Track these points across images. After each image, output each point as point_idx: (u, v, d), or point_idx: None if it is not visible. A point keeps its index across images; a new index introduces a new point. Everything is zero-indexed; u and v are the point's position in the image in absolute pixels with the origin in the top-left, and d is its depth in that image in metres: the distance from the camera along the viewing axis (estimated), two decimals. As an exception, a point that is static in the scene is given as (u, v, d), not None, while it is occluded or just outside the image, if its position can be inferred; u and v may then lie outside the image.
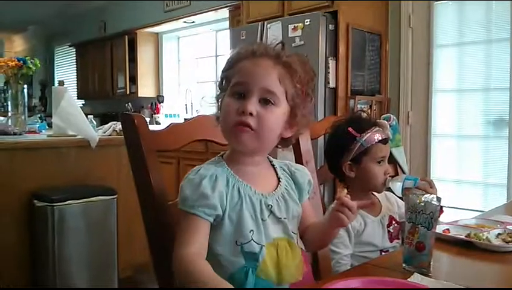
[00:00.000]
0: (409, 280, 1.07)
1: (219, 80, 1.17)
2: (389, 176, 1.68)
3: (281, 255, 1.09)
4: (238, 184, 1.09)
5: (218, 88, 1.17)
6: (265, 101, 1.07)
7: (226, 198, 1.06)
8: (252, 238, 1.06)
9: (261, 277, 1.06)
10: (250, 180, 1.11)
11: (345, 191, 1.11)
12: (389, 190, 1.73)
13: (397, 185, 1.68)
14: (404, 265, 1.17)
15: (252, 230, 1.07)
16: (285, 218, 1.13)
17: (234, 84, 1.09)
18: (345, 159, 1.63)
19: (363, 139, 1.60)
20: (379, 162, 1.63)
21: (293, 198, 1.17)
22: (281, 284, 1.09)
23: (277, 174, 1.18)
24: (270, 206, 1.11)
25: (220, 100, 1.14)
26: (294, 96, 1.11)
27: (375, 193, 1.70)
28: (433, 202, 1.15)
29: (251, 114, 1.06)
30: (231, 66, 1.12)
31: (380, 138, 1.61)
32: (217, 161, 1.13)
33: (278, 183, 1.16)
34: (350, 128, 1.61)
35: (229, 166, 1.11)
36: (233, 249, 1.06)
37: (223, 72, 1.15)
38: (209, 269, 0.99)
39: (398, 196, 1.72)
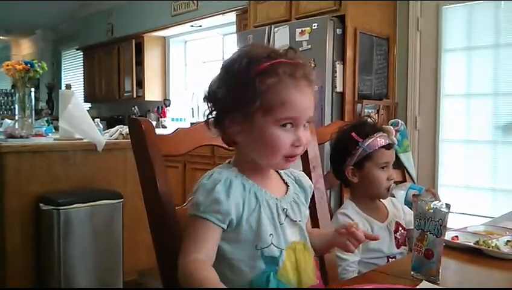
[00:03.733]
0: (417, 287, 1.06)
1: (233, 90, 1.04)
2: (395, 182, 1.67)
3: (299, 258, 1.09)
4: (254, 189, 1.07)
5: (231, 100, 1.04)
6: (306, 122, 1.07)
7: (244, 203, 1.05)
8: (272, 242, 1.06)
9: (281, 281, 1.06)
10: (264, 185, 1.10)
11: (355, 223, 1.14)
12: (394, 196, 1.73)
13: (400, 194, 1.68)
14: (412, 273, 1.16)
15: (271, 234, 1.06)
16: (300, 220, 1.13)
17: (285, 118, 1.02)
18: (348, 164, 1.63)
19: (366, 144, 1.60)
20: (382, 168, 1.62)
21: (302, 201, 1.17)
22: (301, 287, 1.09)
23: (283, 179, 1.18)
24: (286, 210, 1.11)
25: (243, 119, 1.04)
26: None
27: (381, 199, 1.69)
28: (442, 209, 1.13)
29: None
30: (259, 82, 1.01)
31: (384, 143, 1.61)
32: (228, 167, 1.11)
33: (287, 188, 1.16)
34: (353, 133, 1.61)
35: (242, 172, 1.09)
36: (253, 254, 1.05)
37: (244, 85, 1.02)
38: (215, 278, 0.97)
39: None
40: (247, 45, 1.12)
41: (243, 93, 1.01)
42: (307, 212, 1.20)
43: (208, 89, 1.09)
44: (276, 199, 1.10)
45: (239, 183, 1.06)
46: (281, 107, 1.01)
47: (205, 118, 1.09)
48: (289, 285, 1.07)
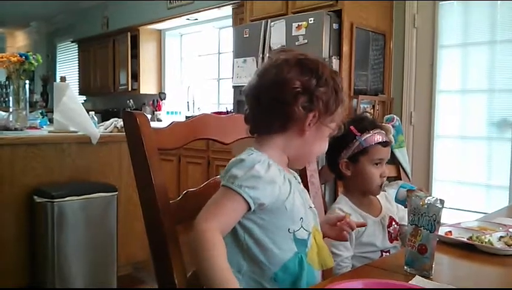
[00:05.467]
0: (410, 282, 1.06)
1: (325, 97, 1.13)
2: (389, 177, 1.67)
3: (319, 241, 1.18)
4: (286, 175, 1.13)
5: (321, 104, 1.13)
6: None
7: (280, 187, 1.08)
8: (302, 226, 1.12)
9: (309, 263, 1.13)
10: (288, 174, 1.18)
11: (349, 214, 1.26)
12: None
13: (391, 192, 1.68)
14: (405, 267, 1.16)
15: (301, 217, 1.12)
16: (314, 207, 1.22)
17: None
18: (343, 157, 1.63)
19: (363, 139, 1.60)
20: (376, 164, 1.63)
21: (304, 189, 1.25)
22: (319, 269, 1.17)
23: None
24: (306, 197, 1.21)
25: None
26: None
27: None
28: (436, 205, 1.14)
29: None
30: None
31: (380, 140, 1.61)
32: (260, 154, 1.12)
33: (294, 178, 1.21)
34: (352, 127, 1.61)
35: (273, 159, 1.12)
36: (286, 236, 1.10)
37: (333, 100, 1.16)
38: (223, 258, 0.97)
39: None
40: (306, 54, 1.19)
41: (332, 100, 1.14)
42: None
43: (288, 81, 1.10)
44: (300, 186, 1.21)
45: (276, 168, 1.09)
46: (336, 121, 1.19)
47: (261, 108, 1.13)
48: (314, 266, 1.15)
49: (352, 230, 1.27)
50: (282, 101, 1.10)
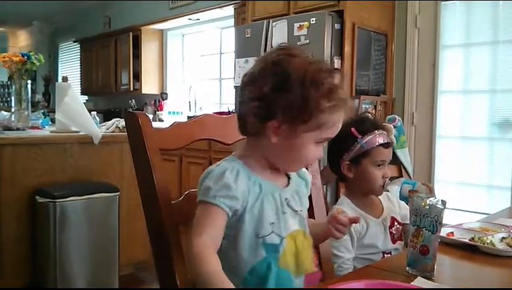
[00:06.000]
0: (412, 283, 1.06)
1: (289, 100, 1.04)
2: (391, 178, 1.67)
3: (299, 246, 1.13)
4: (258, 180, 1.11)
5: (284, 108, 1.05)
6: None
7: (249, 193, 1.08)
8: (273, 231, 1.10)
9: (281, 268, 1.10)
10: (266, 177, 1.13)
11: (340, 209, 1.20)
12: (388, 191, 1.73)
13: (394, 189, 1.68)
14: (407, 268, 1.16)
15: (272, 223, 1.10)
16: (301, 210, 1.17)
17: (326, 137, 1.11)
18: (345, 159, 1.63)
19: (364, 141, 1.60)
20: (378, 165, 1.62)
21: (303, 192, 1.22)
22: (299, 275, 1.13)
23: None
24: (287, 200, 1.15)
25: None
26: None
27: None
28: (437, 206, 1.14)
29: None
30: (320, 104, 1.05)
31: (382, 142, 1.61)
32: (232, 160, 1.13)
33: (289, 179, 1.19)
34: (353, 129, 1.60)
35: (247, 165, 1.12)
36: (254, 242, 1.08)
37: (305, 102, 1.04)
38: (216, 265, 1.00)
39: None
40: (300, 53, 1.10)
41: (300, 109, 1.04)
42: (307, 202, 1.23)
43: (250, 79, 1.09)
44: (280, 189, 1.15)
45: (244, 174, 1.09)
46: (328, 128, 1.08)
47: (246, 110, 1.09)
48: (288, 272, 1.11)
49: (344, 226, 1.20)
50: (242, 105, 1.10)
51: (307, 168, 1.44)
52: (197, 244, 1.01)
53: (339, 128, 1.11)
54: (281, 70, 1.05)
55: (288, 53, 1.09)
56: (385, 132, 1.64)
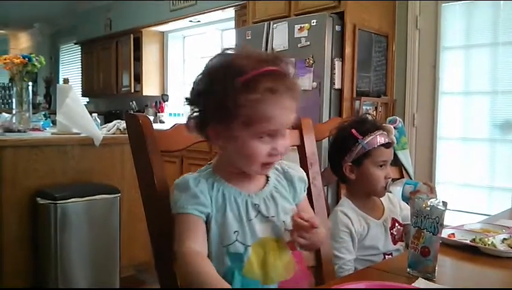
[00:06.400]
0: (413, 284, 1.06)
1: (215, 99, 1.02)
2: (392, 179, 1.67)
3: (267, 254, 1.09)
4: (223, 187, 1.10)
5: (212, 109, 1.04)
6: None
7: (212, 202, 1.08)
8: (237, 239, 1.07)
9: (247, 277, 1.06)
10: (238, 183, 1.12)
11: (295, 211, 1.10)
12: (391, 192, 1.73)
13: (397, 190, 1.68)
14: (408, 270, 1.16)
15: (236, 231, 1.07)
16: (273, 216, 1.12)
17: (264, 131, 1.04)
18: (347, 160, 1.63)
19: (365, 142, 1.60)
20: (380, 166, 1.62)
21: (283, 195, 1.17)
22: (268, 283, 1.09)
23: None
24: (257, 206, 1.11)
25: (219, 126, 1.05)
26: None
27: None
28: (439, 207, 1.14)
29: None
30: (241, 98, 1.00)
31: (383, 142, 1.61)
32: (205, 169, 1.15)
33: (267, 182, 1.16)
34: (353, 130, 1.61)
35: (216, 172, 1.13)
36: (219, 251, 1.07)
37: (226, 98, 1.01)
38: (210, 270, 0.99)
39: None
40: (234, 50, 1.09)
41: (225, 106, 1.01)
42: (291, 206, 1.17)
43: (190, 90, 1.09)
44: (248, 195, 1.12)
45: (205, 183, 1.09)
46: (261, 122, 1.02)
47: (186, 121, 1.10)
48: (256, 280, 1.07)
49: (307, 231, 1.06)
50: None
51: (305, 169, 1.42)
52: (185, 252, 1.01)
53: (287, 118, 1.05)
54: (203, 73, 1.06)
55: (219, 54, 1.08)
56: (385, 132, 1.64)
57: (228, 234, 1.07)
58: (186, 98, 1.09)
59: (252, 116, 1.01)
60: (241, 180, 1.12)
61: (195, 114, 1.08)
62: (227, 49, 1.10)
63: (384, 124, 1.71)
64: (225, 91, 1.01)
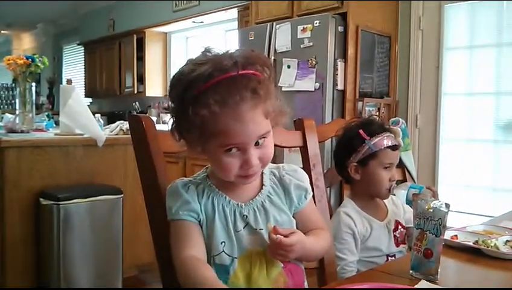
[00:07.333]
0: (416, 286, 1.06)
1: (176, 112, 1.02)
2: (396, 181, 1.67)
3: (253, 267, 1.05)
4: (213, 195, 1.08)
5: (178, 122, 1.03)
6: (260, 139, 1.01)
7: (201, 209, 1.06)
8: (223, 250, 1.04)
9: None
10: (230, 191, 1.08)
11: (272, 225, 1.03)
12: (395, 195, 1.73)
13: (401, 193, 1.68)
14: (411, 272, 1.16)
15: (223, 242, 1.04)
16: (261, 229, 1.07)
17: (227, 145, 0.98)
18: (352, 161, 1.63)
19: (372, 143, 1.60)
20: (386, 168, 1.62)
21: (277, 205, 1.11)
22: None
23: (263, 180, 1.13)
24: (245, 217, 1.07)
25: (190, 137, 1.02)
26: (271, 110, 1.02)
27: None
28: (441, 209, 1.13)
29: None
30: (192, 114, 0.96)
31: (390, 144, 1.61)
32: (202, 173, 1.13)
33: (261, 190, 1.11)
34: (361, 131, 1.61)
35: (210, 177, 1.11)
36: (209, 260, 1.05)
37: (181, 114, 0.99)
38: (211, 276, 0.97)
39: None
40: (198, 59, 1.03)
41: (183, 121, 0.99)
42: (286, 217, 1.11)
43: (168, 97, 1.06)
44: (237, 205, 1.08)
45: (194, 189, 1.07)
46: (219, 136, 0.97)
47: (170, 128, 1.06)
48: None
49: (285, 250, 1.01)
50: None
51: (308, 170, 1.41)
52: (180, 262, 1.00)
53: (250, 130, 0.97)
54: (171, 79, 1.03)
55: (188, 60, 1.04)
56: (392, 135, 1.64)
57: (215, 244, 1.04)
58: (168, 105, 1.09)
59: (209, 131, 0.97)
60: (233, 187, 1.08)
61: (171, 121, 1.05)
62: (207, 50, 1.04)
63: (391, 127, 1.71)
64: (181, 104, 0.98)
